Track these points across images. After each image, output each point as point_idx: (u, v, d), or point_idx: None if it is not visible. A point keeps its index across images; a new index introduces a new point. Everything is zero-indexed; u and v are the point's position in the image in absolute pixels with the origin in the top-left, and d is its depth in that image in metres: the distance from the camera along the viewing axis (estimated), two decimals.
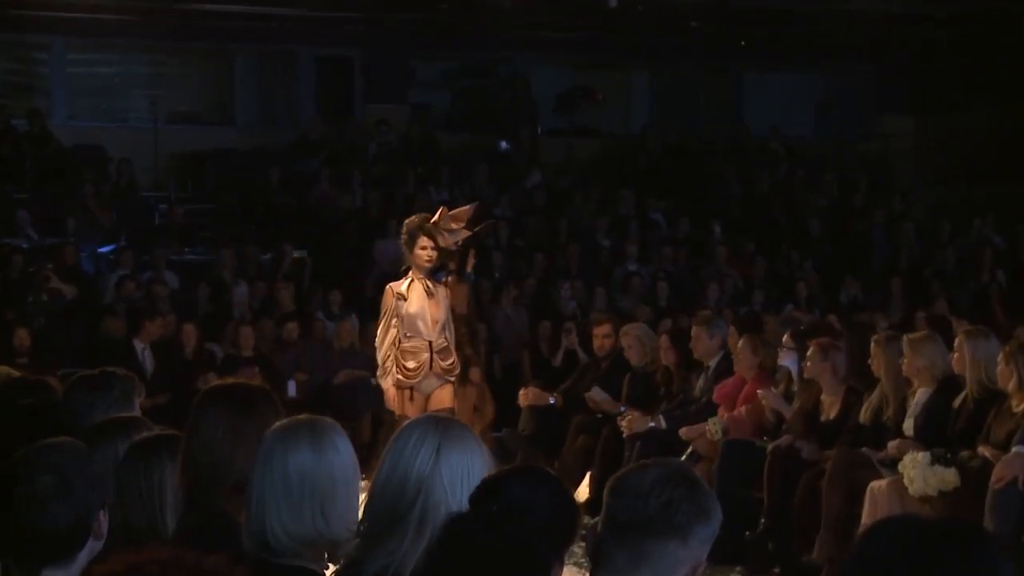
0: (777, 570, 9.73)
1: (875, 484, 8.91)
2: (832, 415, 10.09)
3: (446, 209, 10.44)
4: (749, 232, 19.80)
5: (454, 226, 10.31)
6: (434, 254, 10.28)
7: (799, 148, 23.29)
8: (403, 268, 10.58)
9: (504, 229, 18.97)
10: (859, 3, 21.14)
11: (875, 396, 9.79)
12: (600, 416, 11.82)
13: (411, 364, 10.20)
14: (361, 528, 3.60)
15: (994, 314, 15.09)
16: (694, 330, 11.45)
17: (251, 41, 22.43)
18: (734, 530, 9.93)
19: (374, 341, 10.54)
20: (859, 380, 10.06)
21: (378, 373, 10.43)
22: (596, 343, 12.67)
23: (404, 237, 10.45)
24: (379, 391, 10.60)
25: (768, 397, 10.43)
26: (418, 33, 22.36)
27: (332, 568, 3.69)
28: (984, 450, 8.69)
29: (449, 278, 12.72)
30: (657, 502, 3.00)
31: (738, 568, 9.82)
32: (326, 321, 15.77)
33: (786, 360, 10.66)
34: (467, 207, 10.62)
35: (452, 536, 3.00)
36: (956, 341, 9.33)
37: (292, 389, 14.42)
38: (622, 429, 11.06)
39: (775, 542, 9.73)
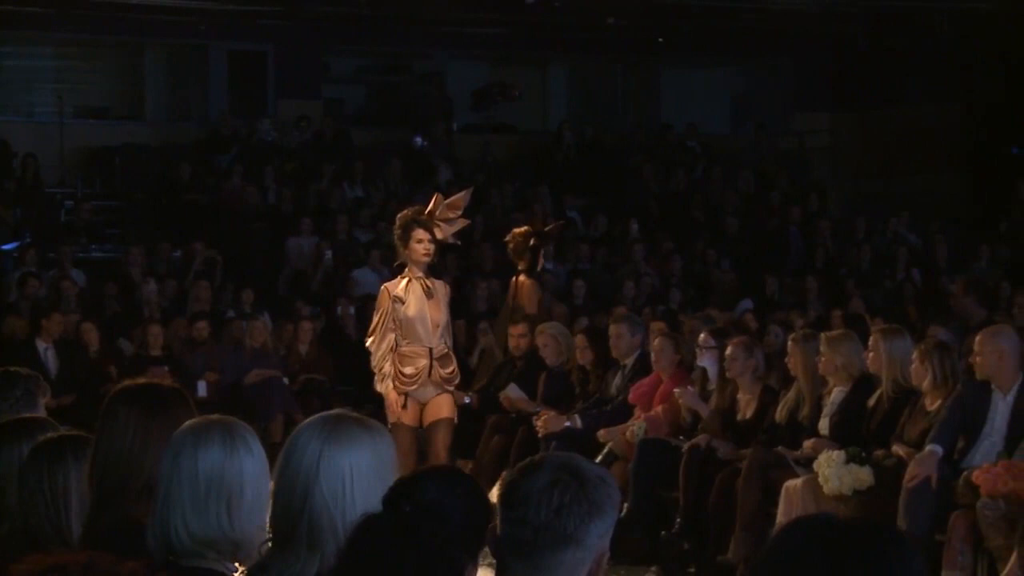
0: (692, 569, 9.78)
1: (790, 483, 8.99)
2: (748, 414, 10.16)
3: (441, 197, 9.74)
4: (666, 230, 19.92)
5: (451, 215, 9.67)
6: (432, 248, 9.61)
7: (716, 145, 23.45)
8: (396, 265, 10.04)
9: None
10: (777, 0, 21.33)
11: (791, 395, 9.87)
12: (515, 416, 11.82)
13: (408, 370, 9.62)
14: (271, 533, 3.57)
15: (908, 313, 15.27)
16: (613, 328, 11.48)
17: (161, 35, 22.24)
18: (650, 529, 9.99)
19: (369, 344, 9.82)
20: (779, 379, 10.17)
21: (375, 379, 9.79)
22: (511, 342, 12.67)
23: (397, 232, 9.73)
24: (289, 391, 10.50)
25: (685, 396, 10.48)
26: (332, 28, 22.28)
27: (241, 569, 3.66)
28: (898, 449, 8.79)
29: (519, 277, 12.71)
30: (547, 510, 2.96)
31: (653, 568, 9.87)
32: (238, 320, 15.67)
33: (705, 359, 10.71)
34: (462, 193, 9.95)
35: (364, 537, 2.98)
36: (871, 340, 9.43)
37: (202, 389, 14.31)
38: (537, 429, 11.07)
39: (691, 541, 9.78)
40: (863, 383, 9.44)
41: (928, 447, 8.44)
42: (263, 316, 15.64)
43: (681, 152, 22.84)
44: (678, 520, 9.84)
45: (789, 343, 9.98)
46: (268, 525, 3.61)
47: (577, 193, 20.88)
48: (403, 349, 9.63)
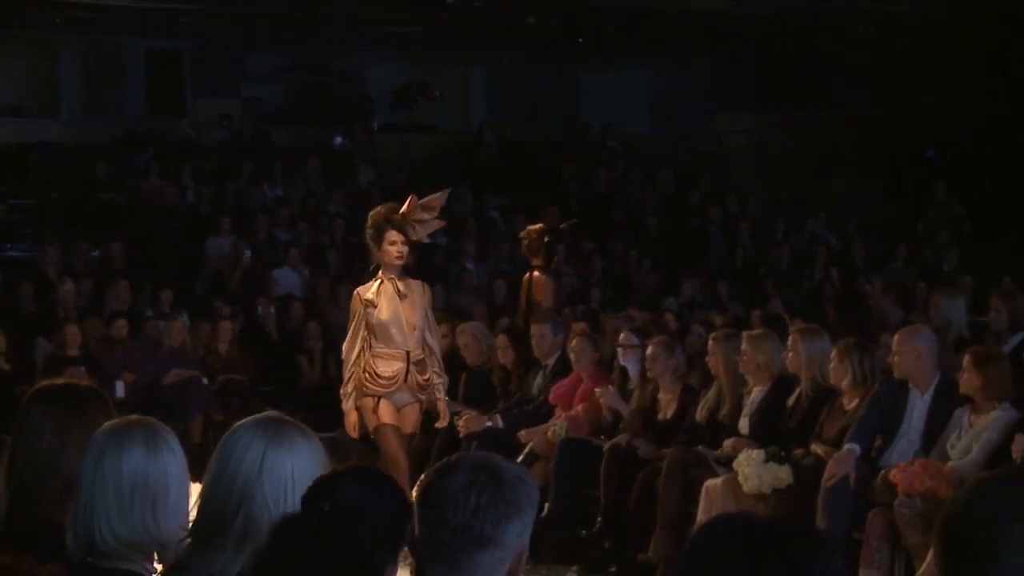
0: (613, 569, 9.81)
1: (710, 482, 9.04)
2: (669, 414, 10.20)
3: (416, 197, 9.28)
4: (587, 230, 19.96)
5: (425, 216, 9.28)
6: (405, 249, 9.23)
7: (637, 145, 23.53)
8: (372, 268, 9.59)
9: (339, 226, 18.90)
10: (698, 1, 21.44)
11: (711, 394, 9.92)
12: (437, 416, 11.79)
13: (384, 370, 9.20)
14: (192, 531, 3.55)
15: (827, 313, 15.39)
16: (535, 328, 11.50)
17: (77, 32, 22.01)
18: (570, 529, 10.01)
19: (345, 354, 9.47)
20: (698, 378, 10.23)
21: (341, 391, 9.43)
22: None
23: (369, 232, 9.34)
24: (209, 392, 10.32)
25: (606, 395, 10.51)
26: (251, 26, 22.16)
27: (161, 569, 3.64)
28: (817, 448, 8.86)
29: (535, 273, 12.64)
30: (464, 511, 2.95)
31: (574, 567, 9.90)
32: (156, 320, 15.53)
33: (626, 359, 10.75)
34: (438, 194, 9.47)
35: (282, 537, 2.97)
36: (790, 339, 9.49)
37: (120, 389, 14.16)
38: (459, 429, 11.06)
39: (611, 540, 9.81)
40: (782, 383, 9.51)
41: (846, 446, 8.51)
42: (182, 316, 15.51)
43: (601, 152, 22.91)
44: (599, 519, 9.87)
45: (710, 342, 10.04)
46: (188, 524, 3.59)
47: (498, 193, 20.89)
48: (380, 350, 9.23)
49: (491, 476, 3.00)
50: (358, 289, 9.47)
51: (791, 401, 9.41)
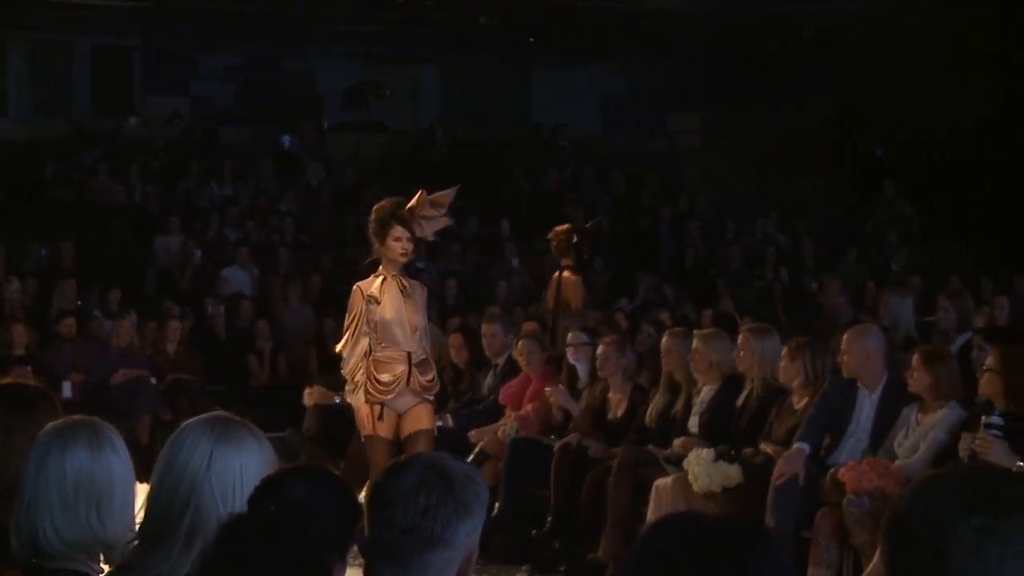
0: (563, 568, 9.82)
1: (660, 482, 9.06)
2: (619, 413, 10.22)
3: (425, 193, 8.90)
4: (538, 230, 19.95)
5: (433, 213, 8.89)
6: (410, 246, 8.82)
7: (588, 145, 23.56)
8: (367, 262, 9.32)
9: (289, 225, 18.85)
10: (648, 1, 21.49)
11: (661, 394, 9.95)
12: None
13: (385, 377, 8.75)
14: (139, 532, 3.53)
15: (776, 313, 15.46)
16: (486, 328, 11.51)
17: (25, 28, 21.86)
18: (520, 528, 10.02)
19: (340, 349, 9.02)
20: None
21: (346, 388, 9.00)
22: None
23: (373, 226, 8.91)
24: (157, 391, 10.21)
25: (556, 395, 10.52)
26: (201, 24, 22.05)
27: (108, 570, 3.62)
28: (766, 447, 8.90)
29: (563, 272, 12.60)
30: (414, 512, 2.95)
31: (524, 567, 9.89)
32: (103, 319, 15.43)
33: (576, 358, 10.76)
34: (448, 191, 9.07)
35: (228, 538, 2.95)
36: (740, 339, 9.52)
37: (67, 390, 14.05)
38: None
39: (561, 540, 9.82)
40: (732, 382, 9.55)
41: (795, 445, 8.55)
42: (130, 315, 15.42)
43: (553, 152, 22.93)
44: (549, 519, 9.88)
45: (664, 340, 10.05)
46: (135, 525, 3.57)
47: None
48: (378, 354, 8.75)
49: (441, 476, 3.00)
50: (359, 284, 8.97)
51: (740, 400, 9.45)
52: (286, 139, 21.93)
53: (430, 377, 8.93)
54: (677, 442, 9.42)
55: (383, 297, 8.76)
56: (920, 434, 8.21)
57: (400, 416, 8.85)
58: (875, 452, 8.41)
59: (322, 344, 15.46)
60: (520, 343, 11.03)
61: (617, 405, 10.26)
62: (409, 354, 8.79)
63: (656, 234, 20.59)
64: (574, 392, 10.64)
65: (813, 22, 22.09)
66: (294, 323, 16.42)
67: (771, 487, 8.42)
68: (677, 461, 9.12)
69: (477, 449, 10.63)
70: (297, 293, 16.80)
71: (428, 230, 8.95)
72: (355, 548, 3.14)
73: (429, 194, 8.92)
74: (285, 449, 11.85)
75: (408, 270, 9.11)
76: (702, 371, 9.60)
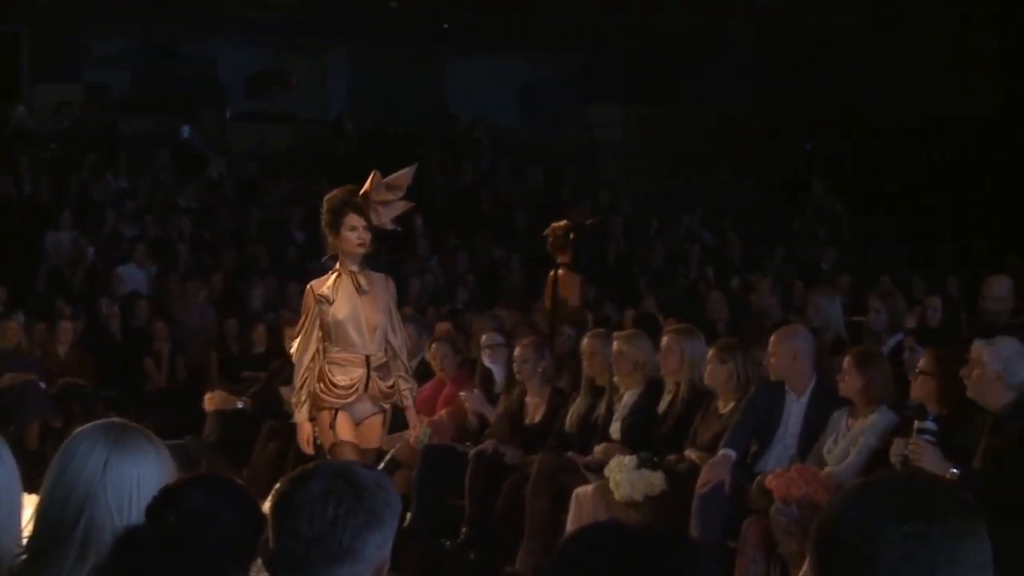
0: None
1: (580, 490, 9.08)
2: (537, 418, 10.24)
3: (379, 175, 8.52)
4: (452, 225, 19.97)
5: (390, 197, 8.50)
6: (367, 236, 8.37)
7: (505, 137, 23.58)
8: (325, 258, 8.84)
9: (187, 221, 18.73)
10: None
11: (582, 398, 9.97)
12: (292, 421, 11.73)
13: (341, 380, 8.32)
14: (28, 545, 3.49)
15: (703, 312, 15.54)
16: None
17: None
18: (434, 539, 10.01)
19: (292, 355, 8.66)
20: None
21: (292, 399, 8.64)
22: (289, 344, 12.57)
23: (326, 217, 8.47)
24: (47, 396, 9.97)
25: (471, 399, 10.52)
26: (94, 7, 21.84)
27: None
28: (691, 453, 8.94)
29: (560, 271, 12.48)
30: (321, 522, 2.94)
31: None
32: None
33: (491, 360, 10.76)
34: (404, 171, 8.72)
35: (123, 550, 2.92)
36: (665, 340, 9.56)
37: None
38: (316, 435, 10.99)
39: (477, 551, 9.82)
40: (654, 385, 9.58)
41: (721, 451, 8.58)
42: (17, 315, 15.24)
43: (468, 144, 22.93)
44: (464, 529, 9.88)
45: (585, 342, 10.07)
46: (22, 537, 3.53)
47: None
48: (334, 355, 8.35)
49: (350, 485, 2.99)
50: (311, 283, 8.56)
51: (664, 405, 9.48)
52: (185, 129, 21.77)
53: (391, 383, 8.45)
54: (598, 448, 9.44)
55: (335, 296, 8.35)
56: (850, 440, 8.27)
57: (357, 424, 8.42)
58: (803, 458, 8.46)
59: (223, 346, 15.40)
60: (433, 346, 11.02)
61: (535, 410, 10.27)
62: (367, 357, 8.36)
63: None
64: (490, 396, 10.65)
65: (738, 13, 22.23)
66: (194, 324, 16.31)
67: (696, 495, 8.45)
68: (598, 468, 9.14)
69: (388, 456, 10.60)
70: (197, 292, 16.68)
71: (386, 217, 8.49)
72: (259, 560, 3.12)
73: (384, 176, 8.56)
74: (184, 457, 11.77)
75: (371, 263, 8.64)
76: (626, 373, 9.62)
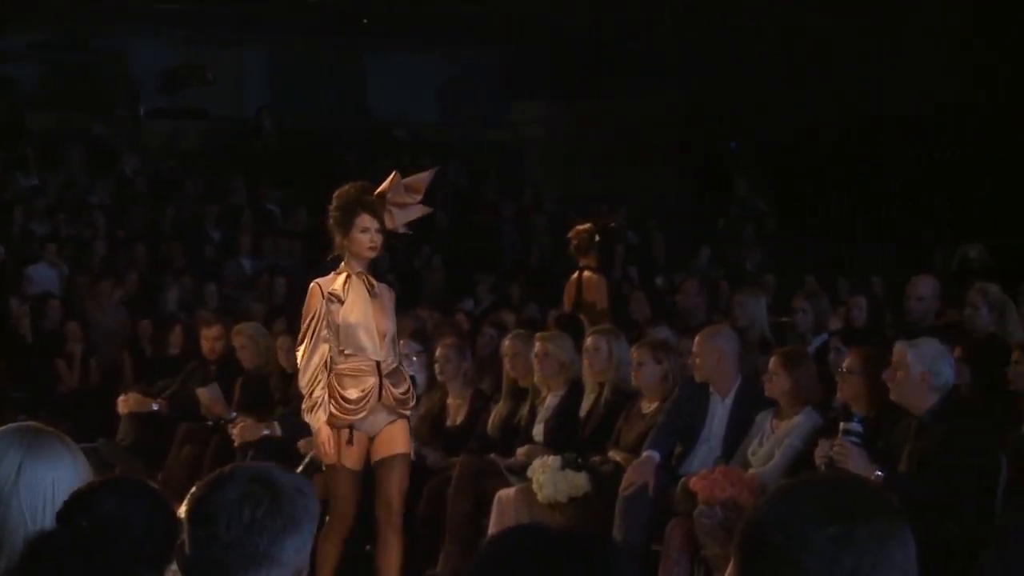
0: None
1: (503, 492, 9.08)
2: (459, 420, 10.24)
3: (399, 175, 8.13)
4: None
5: (407, 200, 8.10)
6: (379, 239, 8.01)
7: (425, 135, 23.55)
8: (330, 257, 8.33)
9: (101, 219, 18.58)
10: None
11: (504, 400, 9.98)
12: (210, 424, 11.69)
13: (353, 393, 7.92)
14: None
15: (629, 311, 15.60)
16: None
17: None
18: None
19: (299, 359, 8.15)
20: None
21: (303, 406, 8.11)
22: (206, 346, 12.51)
23: (335, 215, 8.09)
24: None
25: None
26: None
27: None
28: (615, 455, 8.97)
29: (584, 273, 12.34)
30: (238, 526, 2.94)
31: None
32: None
33: (410, 369, 10.73)
34: (424, 173, 8.35)
35: (36, 554, 2.91)
36: (589, 340, 9.59)
37: None
38: (233, 437, 10.95)
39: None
40: (577, 387, 9.61)
41: (645, 453, 8.62)
42: None
43: (387, 141, 22.88)
44: None
45: (507, 343, 10.08)
46: None
47: (276, 184, 20.73)
48: (343, 366, 7.93)
49: (267, 488, 2.99)
50: (318, 281, 8.14)
51: (587, 406, 9.51)
52: (98, 125, 21.59)
53: (404, 388, 8.09)
54: (521, 450, 9.45)
55: (347, 296, 7.96)
56: (775, 441, 8.33)
57: (371, 439, 8.06)
58: (728, 460, 8.51)
59: (137, 347, 15.28)
60: None
61: (457, 412, 10.27)
62: (378, 364, 7.95)
63: (498, 230, 20.64)
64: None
65: (664, 9, 22.30)
66: (107, 324, 16.17)
67: (620, 497, 8.48)
68: (521, 470, 9.15)
69: (307, 459, 10.54)
70: (110, 292, 16.54)
71: (400, 220, 8.08)
72: (175, 565, 3.10)
73: (403, 177, 8.16)
74: (98, 460, 11.67)
75: (372, 269, 8.28)
76: (551, 375, 9.65)
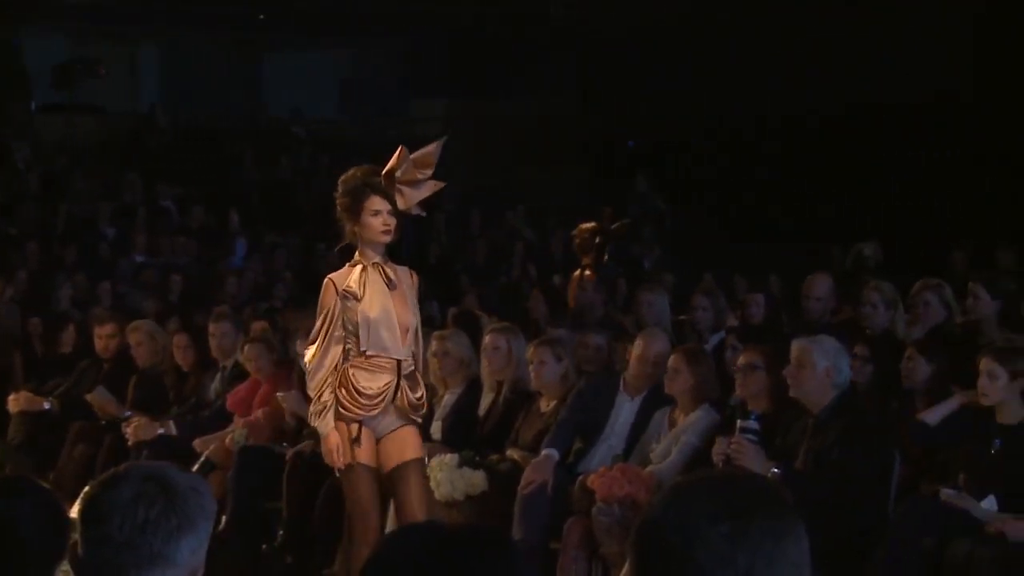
0: None
1: None
2: None
3: (406, 150, 7.49)
4: (270, 222, 19.83)
5: (418, 176, 7.46)
6: (392, 221, 7.37)
7: (324, 131, 23.48)
8: (339, 247, 7.87)
9: None
10: None
11: None
12: (104, 423, 11.59)
13: (368, 386, 7.31)
14: None
15: (527, 310, 15.63)
16: (214, 327, 11.37)
17: None
18: (250, 543, 9.93)
19: (308, 360, 7.54)
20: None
21: (311, 409, 7.57)
22: (99, 344, 12.39)
23: (343, 201, 7.51)
24: None
25: (289, 400, 10.45)
26: None
27: None
28: (513, 453, 8.99)
29: (585, 272, 12.14)
30: (132, 526, 2.92)
31: None
32: None
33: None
34: (432, 146, 7.61)
35: None
36: (488, 338, 9.60)
37: None
38: (127, 436, 10.87)
39: (294, 555, 9.77)
40: (475, 384, 9.62)
41: (544, 451, 8.64)
42: None
43: (286, 138, 22.79)
44: (281, 532, 9.82)
45: None
46: None
47: (172, 181, 20.59)
48: (361, 359, 7.29)
49: (162, 488, 2.97)
50: (331, 276, 7.51)
51: (486, 404, 9.53)
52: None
53: (420, 394, 7.47)
54: None
55: (364, 291, 7.34)
56: (672, 438, 8.38)
57: (378, 441, 7.42)
58: (627, 458, 8.56)
59: (28, 346, 15.09)
60: (247, 347, 10.91)
61: None
62: (399, 363, 7.34)
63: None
64: (308, 397, 10.58)
65: (561, 7, 22.37)
66: None
67: (518, 496, 8.50)
68: None
69: (203, 458, 10.49)
70: (1, 290, 16.33)
71: (413, 199, 7.45)
72: (66, 565, 3.08)
73: (410, 152, 7.49)
74: None
75: (393, 254, 7.62)
76: (449, 372, 9.66)
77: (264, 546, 9.92)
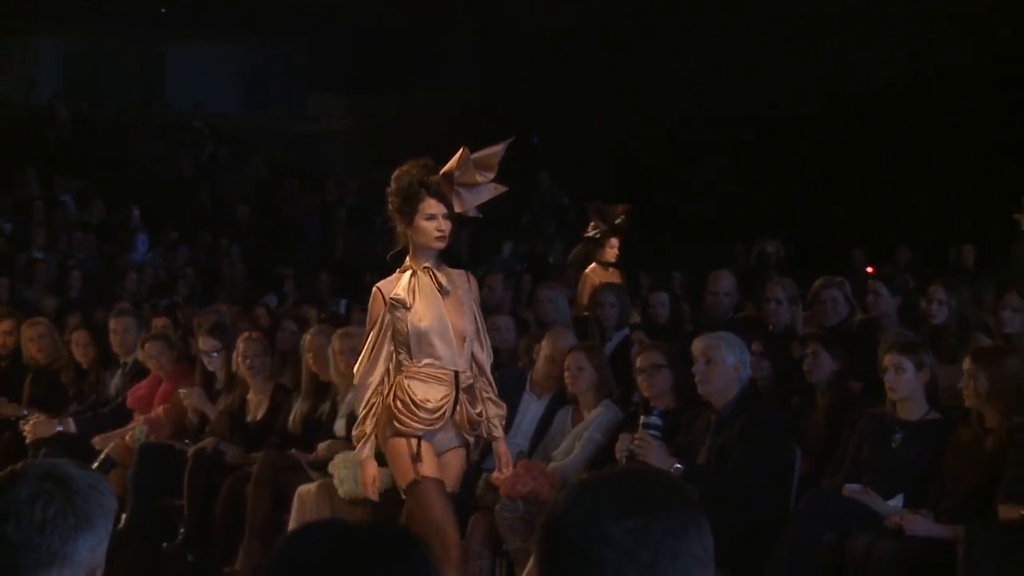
0: None
1: (304, 488, 9.04)
2: (259, 415, 10.17)
3: (467, 151, 6.94)
4: (171, 217, 19.69)
5: (479, 179, 6.94)
6: (448, 226, 6.81)
7: (226, 126, 23.35)
8: (392, 253, 7.13)
9: None
10: None
11: (305, 395, 9.93)
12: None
13: (426, 397, 6.70)
14: None
15: None
16: (114, 323, 11.29)
17: None
18: (151, 541, 9.87)
19: (356, 379, 7.00)
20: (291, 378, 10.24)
21: (354, 432, 6.96)
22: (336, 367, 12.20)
23: (395, 201, 6.96)
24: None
25: (191, 396, 10.39)
26: None
27: None
28: None
29: (591, 268, 11.93)
30: (29, 526, 2.90)
31: None
32: None
33: (211, 365, 10.64)
34: (497, 147, 7.05)
35: None
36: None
37: None
38: (25, 434, 10.75)
39: (195, 553, 9.72)
40: None
41: None
42: None
43: (187, 133, 22.64)
44: (182, 530, 9.77)
45: (307, 338, 10.02)
46: None
47: (71, 175, 20.40)
48: (415, 369, 6.67)
49: (60, 486, 2.94)
50: (378, 285, 6.92)
51: None
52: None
53: (479, 410, 6.84)
54: (322, 445, 9.41)
55: (414, 298, 6.76)
56: (575, 435, 8.42)
57: (437, 457, 6.79)
58: (531, 455, 8.58)
59: None
60: (147, 344, 10.83)
61: (257, 407, 10.20)
62: (456, 374, 6.74)
63: (300, 223, 20.55)
64: (211, 394, 10.53)
65: (467, 2, 22.39)
66: None
67: None
68: (322, 465, 9.12)
69: (103, 456, 10.41)
70: None
71: (471, 203, 6.93)
72: None
73: (472, 152, 6.94)
74: None
75: (448, 258, 7.08)
76: (351, 370, 9.62)
77: (165, 544, 9.86)
